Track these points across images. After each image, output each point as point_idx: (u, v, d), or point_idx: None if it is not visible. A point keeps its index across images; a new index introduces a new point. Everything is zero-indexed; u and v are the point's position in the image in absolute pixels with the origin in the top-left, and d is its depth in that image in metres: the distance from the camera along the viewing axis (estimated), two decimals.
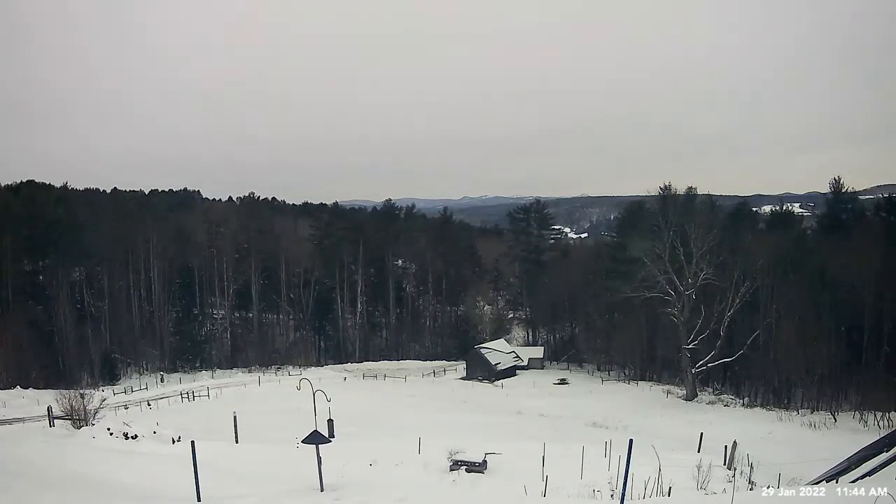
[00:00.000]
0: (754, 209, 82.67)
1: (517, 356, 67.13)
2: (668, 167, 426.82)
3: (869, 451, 16.71)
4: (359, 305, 76.10)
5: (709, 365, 49.73)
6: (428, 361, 70.46)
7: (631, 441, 10.35)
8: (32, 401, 40.18)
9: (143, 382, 56.83)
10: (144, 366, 66.93)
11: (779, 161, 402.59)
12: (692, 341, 48.98)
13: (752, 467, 19.90)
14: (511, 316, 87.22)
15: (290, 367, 65.04)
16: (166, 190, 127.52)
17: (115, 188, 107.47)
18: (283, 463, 19.28)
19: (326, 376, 56.36)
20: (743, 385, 52.79)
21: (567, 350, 73.17)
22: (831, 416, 37.73)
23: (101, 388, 46.30)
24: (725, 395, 48.61)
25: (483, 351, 63.53)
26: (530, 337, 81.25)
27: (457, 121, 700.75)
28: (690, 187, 67.98)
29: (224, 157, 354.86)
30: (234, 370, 66.01)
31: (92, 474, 15.17)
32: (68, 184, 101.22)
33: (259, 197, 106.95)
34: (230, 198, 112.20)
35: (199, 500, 12.24)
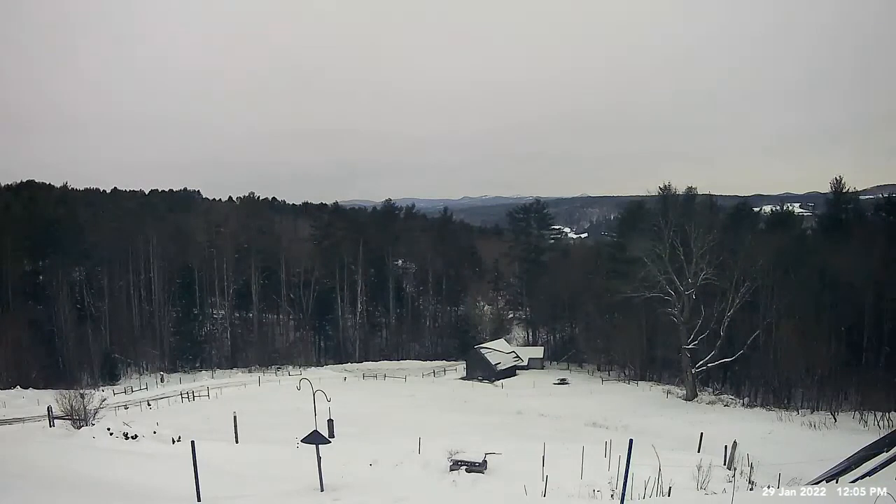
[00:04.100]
0: (754, 209, 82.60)
1: (517, 356, 67.12)
2: (668, 167, 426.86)
3: (869, 451, 16.67)
4: (359, 305, 76.10)
5: (709, 365, 49.70)
6: (428, 361, 70.45)
7: (631, 441, 10.35)
8: (32, 401, 40.16)
9: (143, 382, 56.81)
10: (144, 366, 66.94)
11: (779, 161, 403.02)
12: (692, 341, 48.95)
13: (752, 467, 19.88)
14: (511, 316, 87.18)
15: (290, 367, 65.05)
16: (166, 190, 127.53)
17: (115, 188, 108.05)
18: (283, 463, 19.27)
19: (326, 376, 56.35)
20: (743, 385, 52.77)
21: (567, 350, 73.14)
22: (831, 416, 37.67)
23: (101, 388, 46.27)
24: (725, 395, 48.55)
25: (483, 351, 63.52)
26: (530, 337, 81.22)
27: (458, 120, 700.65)
28: (690, 187, 68.15)
29: (224, 157, 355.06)
30: (234, 370, 66.00)
31: (92, 474, 15.17)
32: (68, 184, 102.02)
33: (259, 197, 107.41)
34: (230, 198, 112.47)
35: (199, 500, 12.25)
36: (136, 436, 21.27)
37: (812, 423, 35.35)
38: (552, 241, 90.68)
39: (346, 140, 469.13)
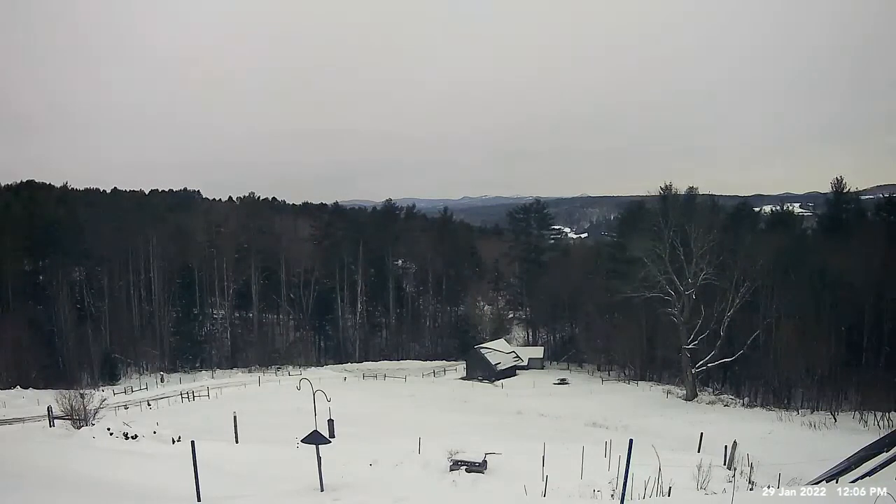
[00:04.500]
0: (754, 209, 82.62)
1: (517, 356, 67.12)
2: (668, 167, 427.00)
3: (869, 451, 16.70)
4: (359, 305, 76.11)
5: (709, 365, 49.72)
6: (428, 361, 70.44)
7: (631, 441, 10.34)
8: (32, 401, 40.20)
9: (143, 382, 56.83)
10: (144, 366, 66.93)
11: (779, 161, 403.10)
12: (692, 341, 48.97)
13: (752, 467, 19.89)
14: (511, 316, 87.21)
15: (290, 367, 65.05)
16: (166, 190, 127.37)
17: (115, 188, 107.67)
18: (283, 463, 19.26)
19: (326, 376, 56.36)
20: (743, 385, 52.79)
21: (567, 350, 73.14)
22: (831, 416, 37.71)
23: (101, 388, 46.30)
24: (725, 395, 48.58)
25: (483, 351, 63.52)
26: (530, 337, 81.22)
27: (457, 120, 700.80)
28: (690, 187, 68.06)
29: (224, 157, 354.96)
30: (234, 370, 66.00)
31: (92, 474, 15.16)
32: (68, 184, 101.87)
33: (259, 197, 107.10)
34: (230, 198, 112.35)
35: (199, 500, 12.25)
36: (136, 436, 21.26)
37: (812, 423, 35.37)
38: (552, 241, 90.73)
39: (347, 140, 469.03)
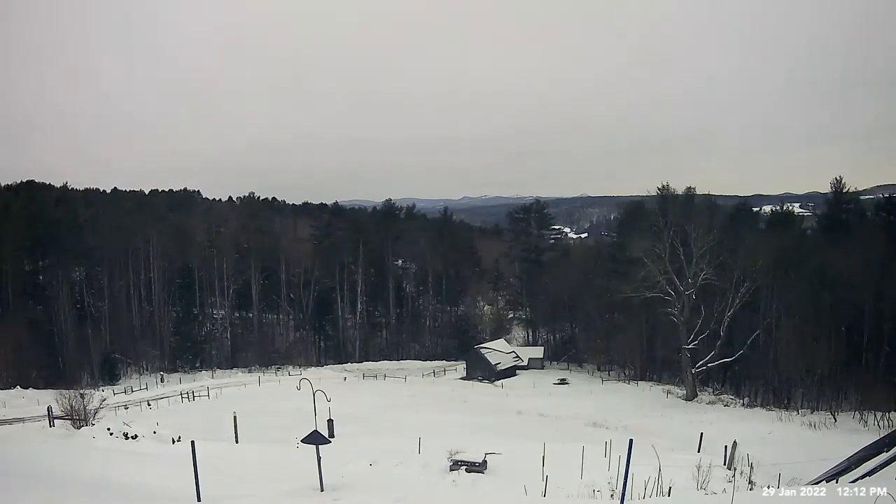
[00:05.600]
0: (754, 209, 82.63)
1: (517, 356, 67.10)
2: (668, 167, 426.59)
3: (869, 451, 16.73)
4: (359, 305, 76.10)
5: (709, 365, 49.74)
6: (428, 361, 70.45)
7: (631, 441, 10.34)
8: (32, 401, 40.21)
9: (143, 382, 56.82)
10: (144, 366, 66.91)
11: (779, 161, 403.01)
12: (692, 341, 48.99)
13: (752, 467, 19.88)
14: (511, 316, 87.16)
15: (290, 367, 65.07)
16: (166, 190, 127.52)
17: (115, 188, 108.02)
18: (283, 463, 19.26)
19: (326, 376, 56.35)
20: (743, 385, 52.77)
21: (567, 350, 73.12)
22: (831, 416, 37.70)
23: (101, 388, 46.29)
24: (725, 395, 48.62)
25: (483, 351, 63.51)
26: (530, 337, 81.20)
27: (458, 120, 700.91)
28: (690, 187, 68.02)
29: (224, 157, 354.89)
30: (234, 370, 66.00)
31: (92, 474, 15.16)
32: (68, 184, 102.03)
33: (259, 197, 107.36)
34: (230, 198, 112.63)
35: (199, 500, 12.25)
36: (136, 436, 21.27)
37: (812, 423, 35.39)
38: (552, 241, 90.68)
39: (347, 140, 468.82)
